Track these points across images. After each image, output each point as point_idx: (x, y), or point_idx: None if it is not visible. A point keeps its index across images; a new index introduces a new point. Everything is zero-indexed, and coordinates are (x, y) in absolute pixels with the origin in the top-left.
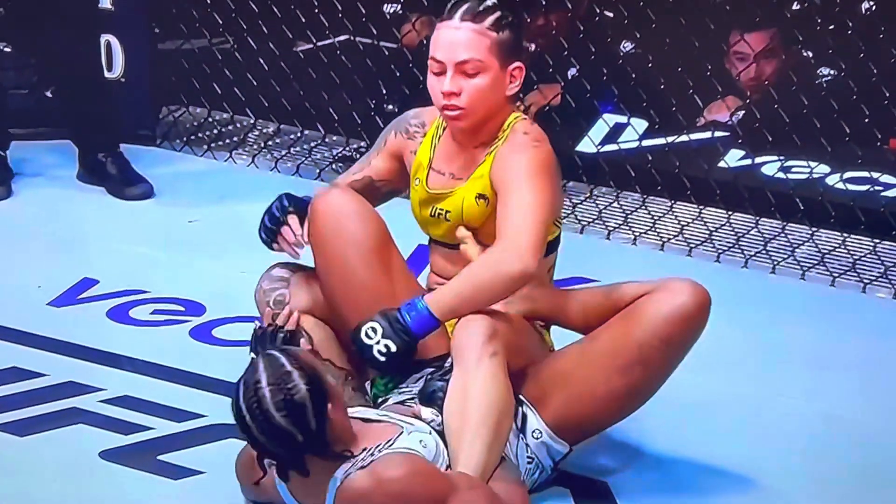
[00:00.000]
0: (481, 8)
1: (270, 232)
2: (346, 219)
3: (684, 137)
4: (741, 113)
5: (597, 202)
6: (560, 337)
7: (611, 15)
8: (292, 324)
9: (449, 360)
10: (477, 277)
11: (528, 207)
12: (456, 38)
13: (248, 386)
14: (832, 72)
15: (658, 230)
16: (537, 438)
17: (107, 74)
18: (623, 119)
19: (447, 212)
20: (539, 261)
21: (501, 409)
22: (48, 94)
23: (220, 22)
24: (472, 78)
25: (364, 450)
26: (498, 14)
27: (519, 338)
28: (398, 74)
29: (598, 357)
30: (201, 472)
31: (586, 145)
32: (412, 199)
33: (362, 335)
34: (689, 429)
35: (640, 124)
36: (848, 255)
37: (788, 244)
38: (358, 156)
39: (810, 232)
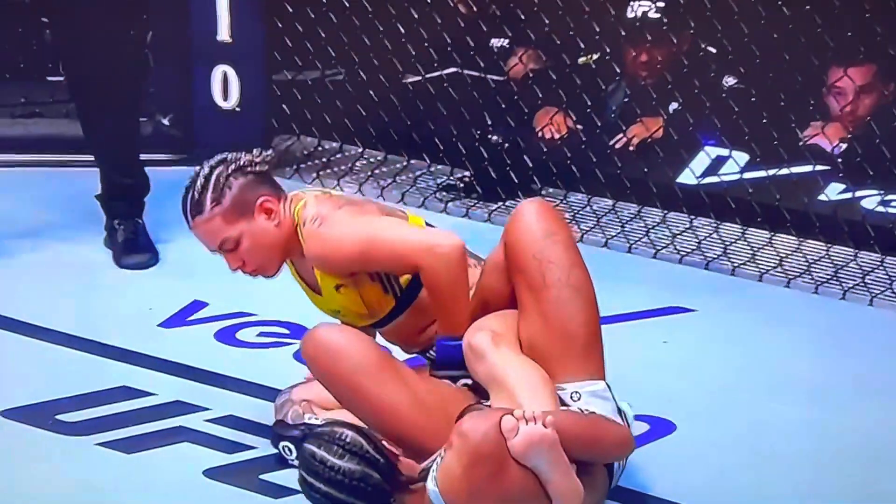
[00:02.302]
0: (196, 197)
1: None
2: (340, 350)
3: (785, 170)
4: (843, 145)
5: (696, 233)
6: None
7: (714, 51)
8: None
9: None
10: (444, 293)
11: (382, 234)
12: (200, 236)
13: (309, 465)
14: None
15: (757, 261)
16: (577, 400)
17: (222, 104)
18: (724, 152)
19: (338, 311)
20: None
21: (533, 372)
22: (165, 121)
23: (333, 54)
24: (239, 248)
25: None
26: (211, 189)
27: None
28: (503, 106)
29: (533, 309)
30: (301, 492)
31: (687, 177)
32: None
33: None
34: (778, 458)
35: (742, 157)
36: None
37: (886, 276)
38: (461, 185)
39: None
